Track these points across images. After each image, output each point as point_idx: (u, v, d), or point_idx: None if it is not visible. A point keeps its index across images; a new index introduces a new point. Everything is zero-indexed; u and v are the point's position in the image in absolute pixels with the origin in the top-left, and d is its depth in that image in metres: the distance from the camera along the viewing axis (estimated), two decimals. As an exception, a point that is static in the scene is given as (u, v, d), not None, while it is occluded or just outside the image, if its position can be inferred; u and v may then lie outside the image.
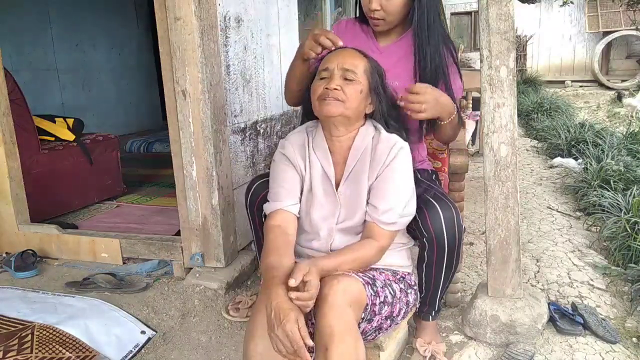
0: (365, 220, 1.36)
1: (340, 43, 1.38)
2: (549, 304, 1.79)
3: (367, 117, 1.43)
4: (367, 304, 1.24)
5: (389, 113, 1.42)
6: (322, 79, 1.36)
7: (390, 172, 1.33)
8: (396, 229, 1.36)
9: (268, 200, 1.45)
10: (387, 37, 1.63)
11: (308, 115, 1.49)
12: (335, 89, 1.32)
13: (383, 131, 1.39)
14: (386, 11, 1.51)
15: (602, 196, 2.92)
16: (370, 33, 1.65)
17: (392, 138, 1.37)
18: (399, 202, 1.32)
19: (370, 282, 1.29)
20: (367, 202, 1.36)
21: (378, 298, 1.28)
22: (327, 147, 1.40)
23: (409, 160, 1.36)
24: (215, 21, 1.95)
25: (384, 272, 1.37)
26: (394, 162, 1.33)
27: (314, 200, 1.41)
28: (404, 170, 1.34)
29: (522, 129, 6.29)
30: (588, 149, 4.13)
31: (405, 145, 1.37)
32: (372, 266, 1.37)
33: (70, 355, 1.53)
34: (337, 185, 1.40)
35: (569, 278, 2.15)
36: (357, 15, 1.69)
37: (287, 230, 1.37)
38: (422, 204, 1.49)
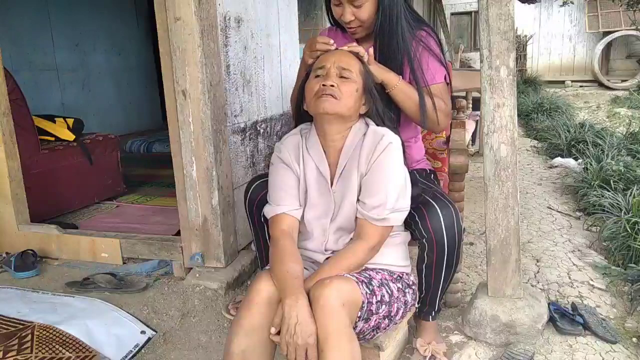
0: (357, 217, 1.36)
1: (332, 41, 1.46)
2: (549, 304, 1.79)
3: (361, 117, 1.43)
4: (363, 302, 1.24)
5: (384, 114, 1.42)
6: (317, 76, 1.37)
7: (378, 167, 1.32)
8: (388, 225, 1.35)
9: (268, 202, 1.45)
10: (366, 41, 1.64)
11: (301, 117, 1.50)
12: (332, 85, 1.32)
13: (372, 125, 1.39)
14: (360, 20, 1.54)
15: (602, 196, 2.92)
16: (349, 37, 1.66)
17: (380, 132, 1.36)
18: (388, 197, 1.31)
19: (366, 281, 1.28)
20: (358, 199, 1.36)
21: (375, 297, 1.28)
22: (321, 146, 1.41)
23: (398, 154, 1.34)
24: (215, 21, 1.95)
25: (380, 272, 1.37)
26: (382, 156, 1.32)
27: (308, 201, 1.41)
28: (392, 165, 1.33)
29: (522, 129, 6.29)
30: (588, 149, 4.13)
31: (395, 139, 1.35)
32: (368, 266, 1.37)
33: (70, 355, 1.53)
34: (332, 185, 1.40)
35: (569, 278, 2.15)
36: (332, 24, 1.71)
37: (293, 236, 1.38)
38: (421, 204, 1.49)
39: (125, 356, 1.64)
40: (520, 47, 10.60)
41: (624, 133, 4.59)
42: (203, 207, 2.03)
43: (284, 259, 1.27)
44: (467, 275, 2.22)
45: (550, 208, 3.12)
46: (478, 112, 4.27)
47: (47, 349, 1.55)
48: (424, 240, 1.50)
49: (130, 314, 1.84)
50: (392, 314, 1.35)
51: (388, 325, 1.38)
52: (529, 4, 8.65)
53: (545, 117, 6.34)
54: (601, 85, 10.68)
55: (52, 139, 2.89)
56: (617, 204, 2.75)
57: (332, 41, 1.46)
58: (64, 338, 1.61)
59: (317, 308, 1.15)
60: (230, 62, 2.10)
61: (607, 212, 2.73)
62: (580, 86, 10.95)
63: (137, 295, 1.98)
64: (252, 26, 2.28)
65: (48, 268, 2.29)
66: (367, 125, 1.40)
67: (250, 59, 2.27)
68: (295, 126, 1.52)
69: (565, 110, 6.75)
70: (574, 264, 2.28)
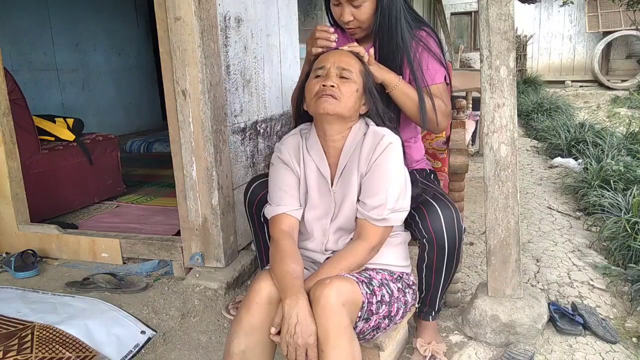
0: (357, 217, 1.36)
1: (332, 29, 1.47)
2: (549, 304, 1.79)
3: (361, 117, 1.43)
4: (363, 302, 1.24)
5: (384, 114, 1.43)
6: (317, 77, 1.37)
7: (378, 167, 1.32)
8: (388, 225, 1.35)
9: (268, 202, 1.45)
10: (366, 41, 1.64)
11: (301, 117, 1.50)
12: (332, 86, 1.32)
13: (372, 125, 1.39)
14: (359, 20, 1.54)
15: (602, 196, 2.92)
16: (349, 37, 1.66)
17: (380, 132, 1.36)
18: (388, 197, 1.31)
19: (366, 281, 1.28)
20: (358, 199, 1.36)
21: (375, 297, 1.28)
22: (321, 147, 1.41)
23: (398, 155, 1.34)
24: (215, 21, 1.95)
25: (380, 272, 1.37)
26: (382, 156, 1.32)
27: (308, 201, 1.41)
28: (392, 165, 1.33)
29: (522, 129, 6.29)
30: (588, 149, 4.13)
31: (395, 139, 1.35)
32: (368, 266, 1.37)
33: (70, 355, 1.53)
34: (332, 185, 1.40)
35: (569, 278, 2.15)
36: (332, 24, 1.71)
37: (293, 236, 1.38)
38: (422, 204, 1.49)
39: (125, 356, 1.64)
40: (520, 47, 10.61)
41: (624, 133, 4.59)
42: (203, 207, 2.03)
43: (285, 259, 1.27)
44: (467, 275, 2.22)
45: (550, 208, 3.12)
46: (478, 112, 4.27)
47: (47, 349, 1.55)
48: (424, 240, 1.50)
49: (130, 314, 1.84)
50: (392, 314, 1.35)
51: (388, 325, 1.38)
52: (529, 4, 8.66)
53: (545, 117, 6.34)
54: (601, 85, 10.68)
55: (52, 139, 2.89)
56: (617, 204, 2.75)
57: (332, 29, 1.47)
58: (64, 338, 1.61)
59: (317, 308, 1.15)
60: (230, 62, 2.10)
61: (607, 212, 2.73)
62: (580, 86, 10.95)
63: (137, 295, 1.98)
64: (252, 26, 2.28)
65: (48, 268, 2.29)
66: (367, 125, 1.40)
67: (250, 59, 2.27)
68: (295, 126, 1.52)
69: (565, 110, 6.76)
70: (574, 264, 2.28)
